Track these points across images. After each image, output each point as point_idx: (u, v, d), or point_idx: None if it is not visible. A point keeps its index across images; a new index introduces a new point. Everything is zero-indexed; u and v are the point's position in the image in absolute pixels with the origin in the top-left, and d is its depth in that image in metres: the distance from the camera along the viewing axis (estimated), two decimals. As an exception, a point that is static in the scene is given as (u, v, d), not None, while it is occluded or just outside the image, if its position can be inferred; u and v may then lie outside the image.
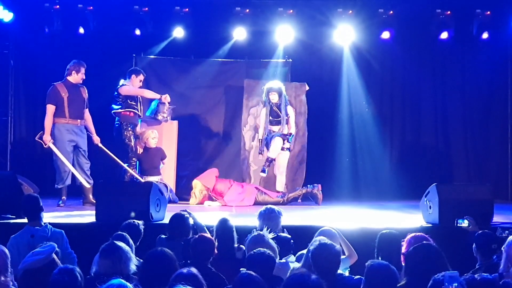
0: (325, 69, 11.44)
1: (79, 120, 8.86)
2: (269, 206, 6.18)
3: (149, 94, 9.77)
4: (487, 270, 4.58)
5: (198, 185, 9.94)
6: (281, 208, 6.24)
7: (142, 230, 5.74)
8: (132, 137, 9.56)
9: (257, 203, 9.60)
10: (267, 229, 5.41)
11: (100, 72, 10.40)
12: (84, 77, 8.93)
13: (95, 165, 9.23)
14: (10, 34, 10.82)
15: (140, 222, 5.82)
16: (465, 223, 5.96)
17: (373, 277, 3.95)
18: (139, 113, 9.64)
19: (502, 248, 4.51)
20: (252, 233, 5.31)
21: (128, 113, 9.51)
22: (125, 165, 9.41)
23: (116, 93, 9.52)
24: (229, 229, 5.63)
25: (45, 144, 8.72)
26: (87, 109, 9.05)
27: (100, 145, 9.21)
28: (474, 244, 5.12)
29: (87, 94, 9.03)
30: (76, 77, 8.89)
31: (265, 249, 4.63)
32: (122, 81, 9.64)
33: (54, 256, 4.14)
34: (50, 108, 8.76)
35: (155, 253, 4.20)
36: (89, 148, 9.07)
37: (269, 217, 5.96)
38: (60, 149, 8.68)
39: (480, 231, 5.26)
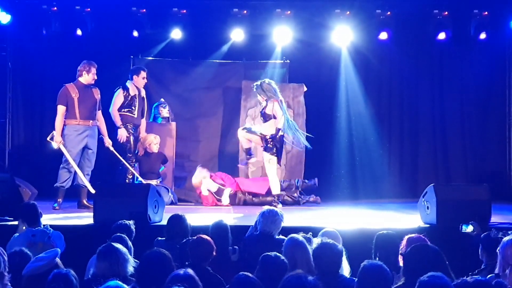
0: (323, 70, 11.44)
1: (90, 121, 8.71)
2: (272, 208, 6.04)
3: (118, 120, 9.40)
4: (492, 271, 4.59)
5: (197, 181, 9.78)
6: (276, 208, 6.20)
7: (134, 229, 5.71)
8: (132, 137, 9.53)
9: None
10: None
11: (98, 74, 10.34)
12: (95, 77, 8.78)
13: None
14: (8, 36, 10.83)
15: (131, 221, 5.77)
16: (469, 229, 5.95)
17: (365, 277, 3.97)
18: (133, 115, 9.53)
19: (497, 250, 4.51)
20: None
21: (128, 113, 9.51)
22: (132, 169, 9.41)
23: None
24: (224, 231, 5.57)
25: (56, 145, 8.60)
26: (100, 111, 8.92)
27: (111, 148, 9.13)
28: (480, 245, 5.11)
29: (99, 95, 8.88)
30: (87, 78, 8.74)
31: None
32: (127, 82, 9.58)
33: (58, 260, 4.13)
34: (60, 109, 8.63)
35: (152, 254, 4.20)
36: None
37: (273, 220, 5.77)
38: (69, 150, 8.57)
39: (486, 233, 5.25)
